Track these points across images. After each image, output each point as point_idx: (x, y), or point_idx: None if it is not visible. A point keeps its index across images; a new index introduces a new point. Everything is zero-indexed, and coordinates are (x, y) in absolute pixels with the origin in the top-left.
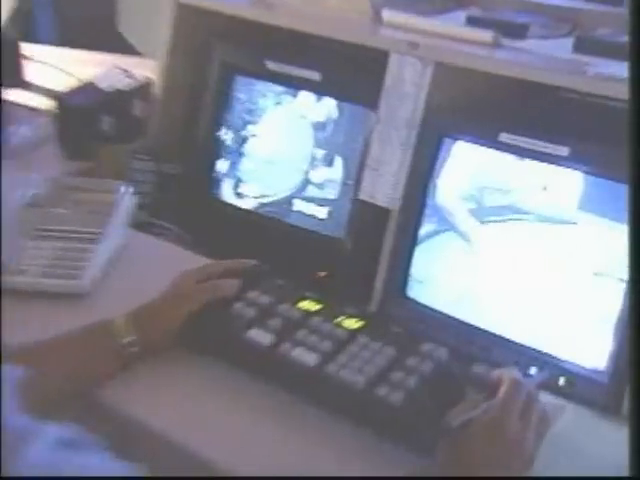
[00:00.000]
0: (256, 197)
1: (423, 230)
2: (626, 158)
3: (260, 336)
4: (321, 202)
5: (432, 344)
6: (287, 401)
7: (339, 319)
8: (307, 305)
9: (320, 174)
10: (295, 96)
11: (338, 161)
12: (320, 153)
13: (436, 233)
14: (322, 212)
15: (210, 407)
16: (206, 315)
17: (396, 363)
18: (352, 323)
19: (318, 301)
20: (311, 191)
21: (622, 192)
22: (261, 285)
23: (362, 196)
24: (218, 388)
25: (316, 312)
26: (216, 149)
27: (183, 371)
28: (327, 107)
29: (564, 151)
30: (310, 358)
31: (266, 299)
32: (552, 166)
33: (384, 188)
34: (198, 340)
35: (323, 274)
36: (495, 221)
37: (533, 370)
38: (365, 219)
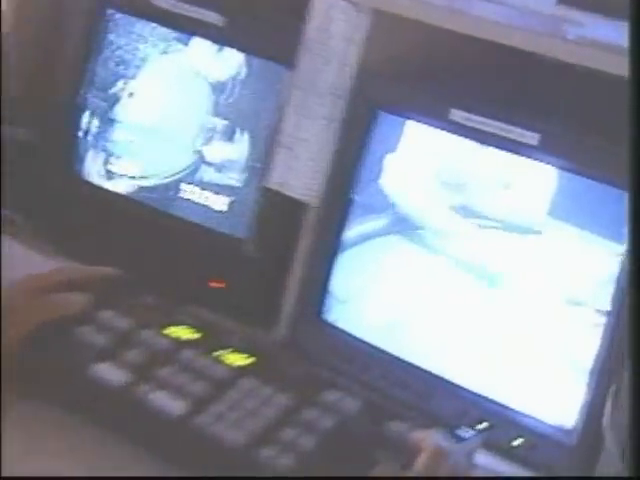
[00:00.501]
0: (132, 178)
1: (351, 232)
2: (626, 157)
3: (111, 373)
4: (218, 189)
5: (339, 392)
6: (145, 461)
7: (220, 352)
8: (179, 332)
9: (218, 152)
10: (188, 44)
11: (242, 136)
12: (219, 123)
13: (369, 237)
14: (219, 202)
15: (36, 469)
16: (39, 342)
17: (290, 416)
18: (238, 359)
19: (195, 327)
20: (205, 174)
21: (605, 196)
22: (120, 302)
23: (272, 184)
24: (50, 445)
25: (190, 342)
26: (80, 111)
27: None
28: (230, 62)
29: (533, 139)
30: (176, 405)
31: (124, 322)
32: (517, 157)
33: (301, 174)
34: (25, 377)
35: (217, 285)
36: (429, 228)
37: (482, 425)
38: (275, 215)
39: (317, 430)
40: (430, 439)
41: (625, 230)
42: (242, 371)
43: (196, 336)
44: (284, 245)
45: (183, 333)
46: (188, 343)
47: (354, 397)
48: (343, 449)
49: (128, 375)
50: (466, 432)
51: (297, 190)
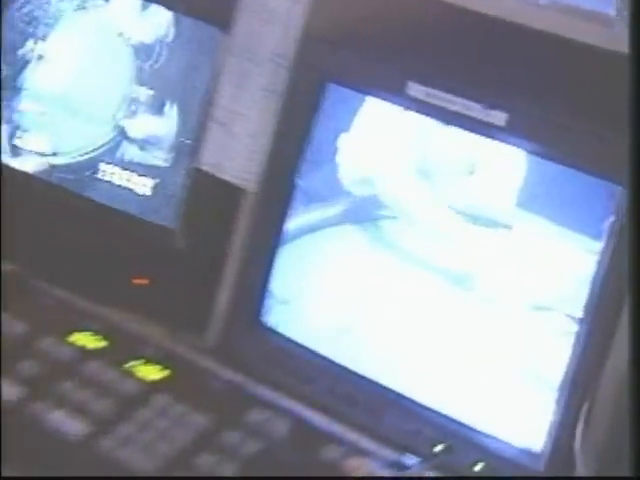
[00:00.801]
0: (41, 155)
1: (295, 223)
2: (606, 140)
3: (2, 388)
4: (143, 170)
5: (267, 412)
6: None
7: (131, 364)
8: (85, 339)
9: (142, 126)
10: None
11: (171, 108)
12: (143, 93)
13: (316, 228)
14: (143, 185)
15: None
16: None
17: (208, 439)
18: (151, 371)
19: (104, 334)
20: (127, 151)
21: (581, 185)
22: (16, 304)
23: (204, 165)
24: None
25: (97, 351)
26: None
27: None
28: (157, 22)
29: (500, 118)
30: (76, 425)
31: (19, 327)
32: (483, 139)
33: (237, 154)
34: None
35: (140, 282)
36: (391, 217)
37: (439, 447)
38: (207, 201)
39: (239, 456)
40: (365, 468)
41: (604, 225)
42: (155, 386)
43: (104, 344)
44: (217, 237)
45: (89, 341)
46: (94, 353)
47: (284, 417)
48: (268, 479)
49: (21, 390)
50: (410, 459)
51: (233, 173)
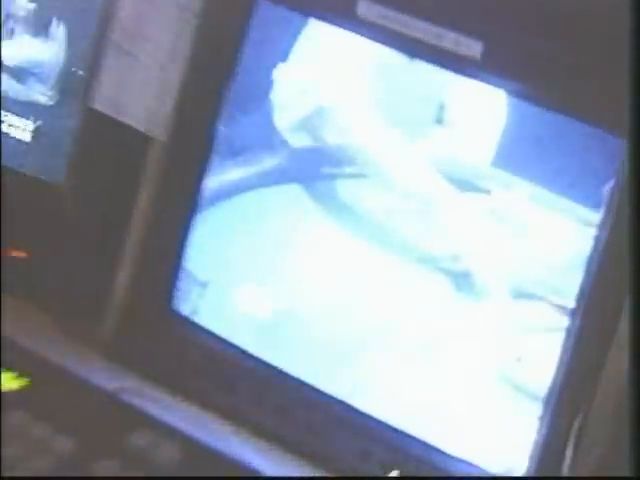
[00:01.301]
0: None
1: (216, 181)
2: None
3: None
4: (20, 108)
5: (152, 434)
6: None
7: None
8: None
9: (20, 50)
10: None
11: (57, 28)
12: (22, 8)
13: (244, 189)
14: (21, 129)
15: None
16: None
17: (74, 467)
18: (6, 381)
19: None
20: (1, 83)
21: (577, 139)
22: None
23: (100, 104)
24: None
25: None
26: None
27: None
28: None
29: (475, 49)
30: None
31: None
32: (454, 76)
33: (142, 91)
34: None
35: (17, 254)
36: (349, 176)
37: (393, 473)
38: (103, 151)
39: None
40: None
41: (603, 190)
42: (9, 400)
43: None
44: (115, 198)
45: None
46: None
47: (173, 440)
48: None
49: None
50: None
51: (136, 115)
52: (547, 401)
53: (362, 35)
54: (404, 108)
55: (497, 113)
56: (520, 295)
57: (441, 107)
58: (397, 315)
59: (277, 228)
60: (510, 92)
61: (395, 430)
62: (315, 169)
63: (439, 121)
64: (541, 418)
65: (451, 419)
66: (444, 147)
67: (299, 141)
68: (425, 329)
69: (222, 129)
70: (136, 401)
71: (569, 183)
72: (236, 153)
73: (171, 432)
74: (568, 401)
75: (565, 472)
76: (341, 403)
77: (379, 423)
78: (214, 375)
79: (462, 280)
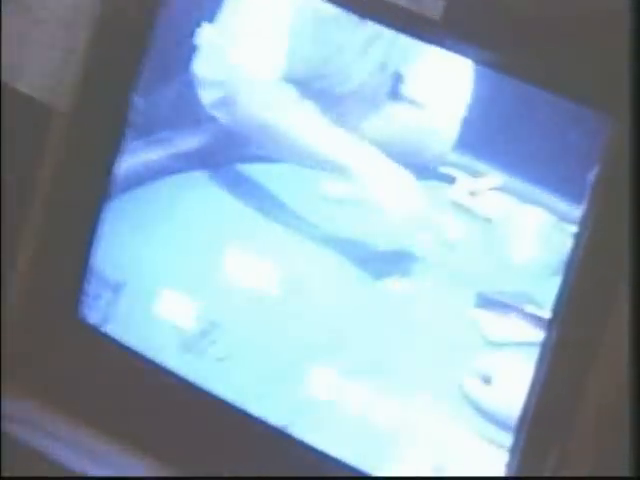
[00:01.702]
0: None
1: (128, 162)
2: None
3: None
4: None
5: None
6: None
7: None
8: None
9: None
10: None
11: None
12: None
13: (164, 171)
14: None
15: None
16: None
17: None
18: None
19: None
20: None
21: (556, 116)
22: None
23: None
24: None
25: None
26: None
27: None
28: None
29: (436, 8)
30: None
31: None
32: (410, 40)
33: (44, 55)
34: None
35: None
36: (277, 160)
37: None
38: (10, 126)
39: None
40: None
41: (585, 180)
42: None
43: None
44: (10, 179)
45: None
46: None
47: None
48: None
49: None
50: None
51: (35, 82)
52: (518, 429)
53: None
54: (350, 80)
55: (462, 86)
56: (486, 303)
57: (395, 78)
58: (340, 325)
59: (202, 220)
60: (477, 60)
61: (337, 461)
62: (240, 150)
63: (393, 95)
64: (511, 450)
65: (404, 449)
66: (398, 126)
67: (224, 116)
68: (372, 339)
69: (137, 101)
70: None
71: (546, 171)
72: (153, 130)
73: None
74: (542, 430)
75: None
76: (277, 430)
77: (318, 453)
78: (126, 396)
79: (415, 285)
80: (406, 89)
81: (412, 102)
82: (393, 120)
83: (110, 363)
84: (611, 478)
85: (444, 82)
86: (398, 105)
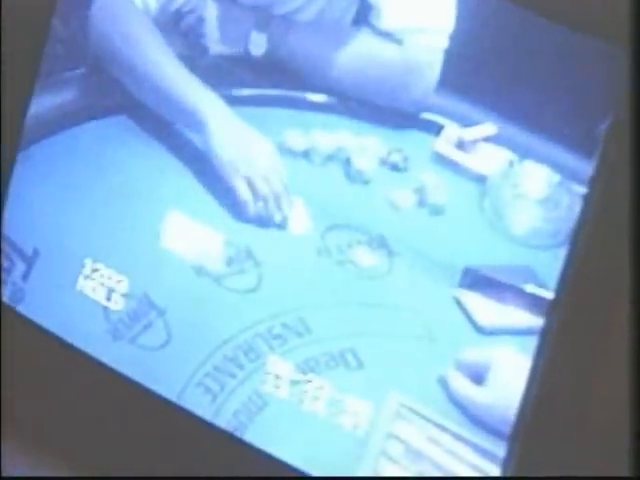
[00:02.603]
0: None
1: (44, 102)
2: None
3: None
4: None
5: None
6: None
7: None
8: None
9: None
10: None
11: None
12: None
13: (90, 115)
14: None
15: None
16: None
17: None
18: None
19: None
20: None
21: (560, 51)
22: None
23: None
24: None
25: None
26: None
27: None
28: None
29: None
30: None
31: None
32: None
33: None
34: None
35: None
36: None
37: None
38: None
39: None
40: None
41: (598, 130)
42: None
43: None
44: None
45: None
46: None
47: None
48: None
49: None
50: None
51: None
52: (512, 437)
53: None
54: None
55: (446, 11)
56: (476, 282)
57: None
58: (298, 307)
59: (134, 177)
60: None
61: (292, 469)
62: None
63: (359, 21)
64: (504, 461)
65: (376, 460)
66: (367, 62)
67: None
68: (337, 325)
69: (56, 25)
70: None
71: (550, 118)
72: (73, 62)
73: None
74: (541, 438)
75: None
76: (225, 433)
77: (272, 460)
78: (43, 388)
79: (388, 259)
80: (375, 16)
81: (383, 33)
82: (360, 56)
83: (22, 348)
84: (611, 478)
85: (423, 6)
86: (365, 36)
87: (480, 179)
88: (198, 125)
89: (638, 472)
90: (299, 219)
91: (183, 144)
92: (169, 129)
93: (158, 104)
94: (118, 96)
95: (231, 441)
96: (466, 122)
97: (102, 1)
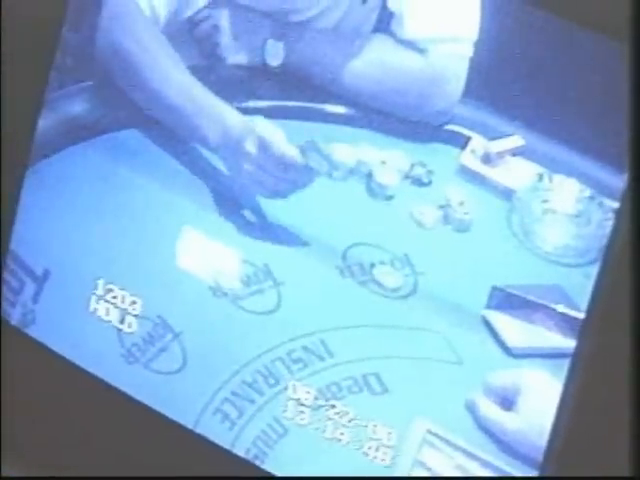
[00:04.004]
0: None
1: (56, 114)
2: None
3: None
4: None
5: None
6: None
7: None
8: None
9: None
10: None
11: None
12: None
13: (102, 129)
14: None
15: None
16: None
17: None
18: None
19: None
20: None
21: (591, 58)
22: None
23: None
24: None
25: None
26: None
27: None
28: None
29: None
30: None
31: None
32: None
33: None
34: None
35: None
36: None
37: None
38: None
39: None
40: None
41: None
42: None
43: None
44: None
45: None
46: None
47: None
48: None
49: None
50: None
51: None
52: (543, 465)
53: None
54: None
55: (469, 16)
56: (505, 302)
57: (381, 9)
58: (318, 330)
59: (149, 194)
60: None
61: None
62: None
63: (380, 29)
64: None
65: None
66: (389, 72)
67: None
68: (359, 348)
69: (66, 36)
70: None
71: (581, 130)
72: (82, 74)
73: None
74: (573, 465)
75: None
76: (243, 462)
77: None
78: (55, 414)
79: (411, 278)
80: (397, 24)
81: (405, 42)
82: (381, 65)
83: (32, 372)
84: (611, 478)
85: (446, 14)
86: (387, 45)
87: (508, 194)
88: (212, 140)
89: (638, 472)
90: (319, 236)
91: (196, 159)
92: (182, 144)
93: (169, 118)
94: (129, 110)
95: (250, 470)
96: (493, 134)
97: (110, 11)
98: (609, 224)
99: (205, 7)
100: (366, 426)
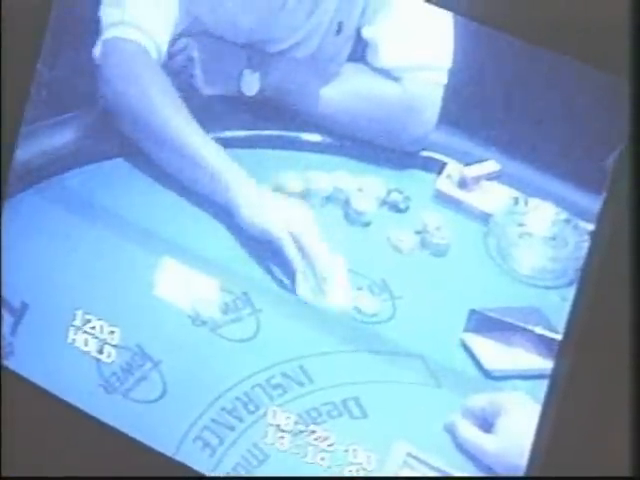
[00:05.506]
0: None
1: (32, 147)
2: None
3: None
4: None
5: None
6: None
7: None
8: None
9: None
10: None
11: None
12: None
13: (78, 159)
14: None
15: None
16: None
17: None
18: None
19: None
20: None
21: (570, 84)
22: None
23: None
24: None
25: None
26: None
27: None
28: None
29: None
30: None
31: None
32: None
33: None
34: None
35: None
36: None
37: None
38: None
39: None
40: None
41: (607, 162)
42: None
43: None
44: None
45: None
46: None
47: None
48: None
49: None
50: None
51: None
52: None
53: None
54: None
55: (443, 45)
56: (483, 325)
57: (356, 40)
58: (299, 355)
59: (127, 224)
60: (466, 15)
61: None
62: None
63: (355, 58)
64: None
65: None
66: (365, 101)
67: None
68: (339, 372)
69: (42, 70)
70: None
71: (554, 154)
72: (61, 106)
73: None
74: None
75: None
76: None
77: None
78: (33, 446)
79: (390, 303)
80: (372, 53)
81: (381, 70)
82: (357, 94)
83: (11, 406)
84: (611, 478)
85: (420, 42)
86: (362, 74)
87: (484, 218)
88: (196, 171)
89: (638, 472)
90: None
91: (175, 188)
92: (163, 174)
93: (153, 149)
94: (110, 141)
95: None
96: (468, 159)
97: (105, 48)
98: (585, 246)
99: (180, 36)
100: (346, 450)
